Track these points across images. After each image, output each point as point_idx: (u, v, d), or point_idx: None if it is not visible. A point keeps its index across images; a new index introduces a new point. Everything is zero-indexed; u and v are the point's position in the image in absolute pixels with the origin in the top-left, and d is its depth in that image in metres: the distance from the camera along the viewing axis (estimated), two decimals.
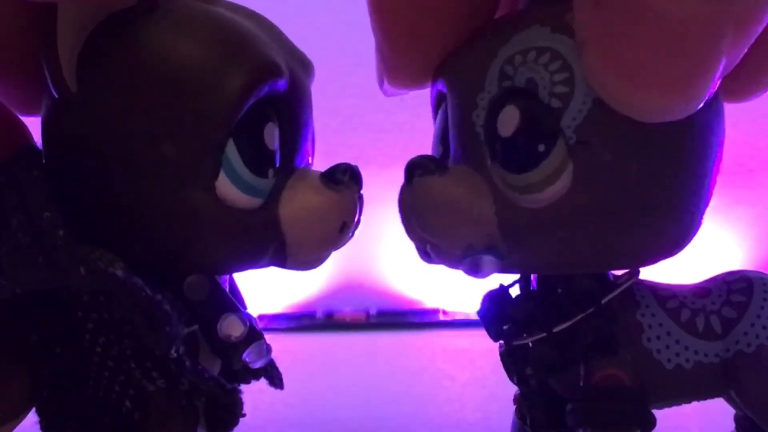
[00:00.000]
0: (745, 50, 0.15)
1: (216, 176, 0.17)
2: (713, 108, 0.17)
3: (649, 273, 0.21)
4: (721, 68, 0.14)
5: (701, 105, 0.15)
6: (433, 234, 0.19)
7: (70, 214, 0.17)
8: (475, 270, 0.19)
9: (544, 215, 0.17)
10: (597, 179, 0.17)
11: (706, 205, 0.18)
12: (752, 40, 0.14)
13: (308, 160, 0.21)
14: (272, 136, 0.18)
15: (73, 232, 0.16)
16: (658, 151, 0.16)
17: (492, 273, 0.19)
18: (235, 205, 0.17)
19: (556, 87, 0.17)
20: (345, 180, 0.19)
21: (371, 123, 0.67)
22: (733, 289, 0.21)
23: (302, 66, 0.19)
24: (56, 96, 0.16)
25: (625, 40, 0.14)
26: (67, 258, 0.15)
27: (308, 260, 0.20)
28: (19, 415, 0.18)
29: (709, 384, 0.21)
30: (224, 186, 0.17)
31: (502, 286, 0.22)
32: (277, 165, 0.19)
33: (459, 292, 0.72)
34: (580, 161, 0.17)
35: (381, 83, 0.20)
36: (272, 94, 0.18)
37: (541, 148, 0.17)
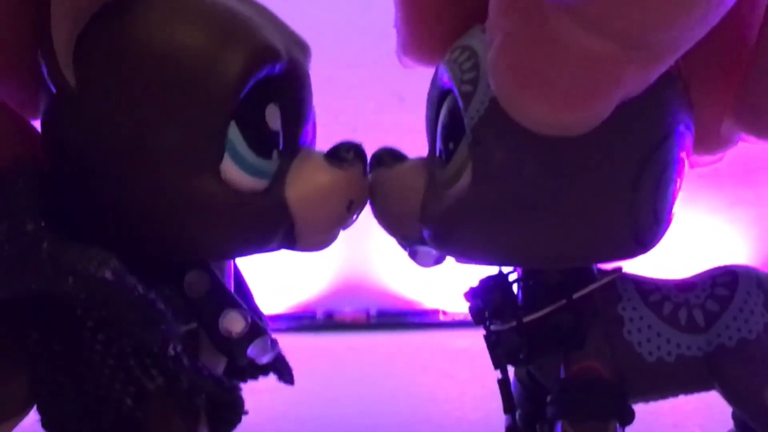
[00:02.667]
0: (647, 84, 0.15)
1: (220, 159, 0.17)
2: (625, 118, 0.16)
3: (644, 267, 0.21)
4: (618, 98, 0.14)
5: (591, 127, 0.15)
6: (380, 222, 0.21)
7: (74, 208, 0.17)
8: (415, 259, 0.21)
9: (450, 210, 0.18)
10: (491, 178, 0.17)
11: (638, 221, 0.18)
12: (659, 73, 0.15)
13: (310, 142, 0.21)
14: (274, 118, 0.18)
15: (64, 234, 0.16)
16: (555, 156, 0.17)
17: (432, 264, 0.20)
18: (241, 188, 0.18)
19: (463, 86, 0.17)
20: (349, 157, 0.19)
21: (371, 123, 0.67)
22: (717, 283, 0.21)
23: (299, 47, 0.20)
24: (54, 91, 0.16)
25: (525, 54, 0.14)
26: (52, 271, 0.15)
27: (318, 240, 0.20)
28: (19, 414, 0.18)
29: (693, 377, 0.21)
30: (229, 169, 0.17)
31: (500, 272, 0.22)
32: (281, 147, 0.19)
33: (459, 292, 0.72)
34: (477, 160, 0.17)
35: (399, 55, 0.21)
36: (272, 76, 0.18)
37: (451, 145, 0.18)
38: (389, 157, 0.20)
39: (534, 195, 0.17)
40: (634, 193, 0.17)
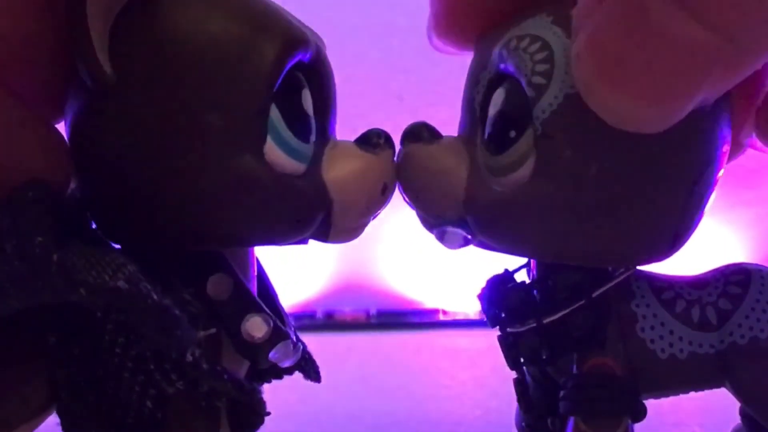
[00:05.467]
0: (724, 90, 0.15)
1: (263, 141, 0.17)
2: (692, 128, 0.17)
3: (647, 266, 0.21)
4: (699, 98, 0.14)
5: (669, 125, 0.15)
6: (411, 199, 0.20)
7: (105, 207, 0.17)
8: (442, 240, 0.20)
9: (504, 199, 0.18)
10: (555, 173, 0.17)
11: (681, 227, 0.18)
12: (735, 83, 0.15)
13: (335, 132, 0.21)
14: (308, 103, 0.19)
15: (86, 242, 0.16)
16: (622, 159, 0.17)
17: (461, 246, 0.20)
18: (284, 170, 0.18)
19: (535, 77, 0.17)
20: (381, 143, 0.20)
21: (371, 123, 0.67)
22: (730, 281, 0.21)
23: (319, 40, 0.20)
24: (91, 84, 0.16)
25: (618, 41, 0.14)
26: (63, 283, 0.15)
27: (351, 228, 0.20)
28: (37, 416, 0.18)
29: (704, 374, 0.21)
30: (272, 150, 0.17)
31: (506, 271, 0.22)
32: (314, 132, 0.19)
33: (459, 292, 0.72)
34: (542, 153, 0.17)
35: (430, 37, 0.21)
36: (303, 62, 0.18)
37: (512, 134, 0.18)
38: (427, 132, 0.20)
39: (595, 196, 0.17)
40: (686, 204, 0.17)
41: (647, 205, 0.17)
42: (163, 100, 0.16)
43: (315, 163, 0.19)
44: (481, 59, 0.19)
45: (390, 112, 0.68)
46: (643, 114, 0.14)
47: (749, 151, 0.21)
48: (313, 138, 0.19)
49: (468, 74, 0.20)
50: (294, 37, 0.18)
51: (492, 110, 0.18)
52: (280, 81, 0.17)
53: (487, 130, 0.19)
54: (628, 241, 0.18)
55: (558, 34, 0.17)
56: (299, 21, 0.19)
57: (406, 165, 0.20)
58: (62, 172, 0.17)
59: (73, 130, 0.18)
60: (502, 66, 0.18)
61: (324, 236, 0.20)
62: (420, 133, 0.20)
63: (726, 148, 0.18)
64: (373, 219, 0.21)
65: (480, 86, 0.19)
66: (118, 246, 0.18)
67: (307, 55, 0.18)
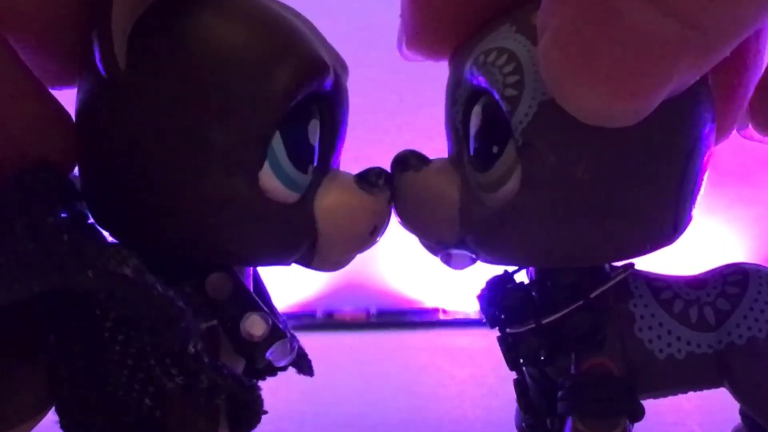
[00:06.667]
0: (695, 78, 0.15)
1: (260, 166, 0.17)
2: (673, 115, 0.17)
3: (645, 265, 0.21)
4: (670, 88, 0.14)
5: (642, 117, 0.15)
6: (409, 227, 0.20)
7: (102, 198, 0.18)
8: (449, 263, 0.20)
9: (498, 215, 0.18)
10: (543, 181, 0.17)
11: (680, 213, 0.18)
12: (705, 70, 0.15)
13: (339, 162, 0.21)
14: (314, 133, 0.19)
15: (83, 233, 0.16)
16: (607, 155, 0.17)
17: (467, 266, 0.20)
18: (275, 198, 0.18)
19: (507, 90, 0.17)
20: (379, 183, 0.19)
21: (371, 123, 0.67)
22: (728, 281, 0.22)
23: (341, 67, 0.20)
24: (104, 74, 0.16)
25: (584, 36, 0.14)
26: (74, 263, 0.15)
27: (334, 261, 0.20)
28: (37, 415, 0.18)
29: (703, 374, 0.21)
30: (267, 177, 0.17)
31: (506, 272, 0.22)
32: (315, 163, 0.19)
33: (459, 291, 0.72)
34: (527, 163, 0.17)
35: (399, 45, 0.20)
36: (318, 91, 0.18)
37: (495, 149, 0.18)
38: (416, 159, 0.20)
39: (587, 197, 0.17)
40: (680, 190, 0.18)
41: (641, 200, 0.17)
42: (169, 105, 0.16)
43: (309, 193, 0.19)
44: (455, 77, 0.19)
45: (390, 112, 0.68)
46: (614, 108, 0.14)
47: (748, 150, 0.21)
48: (312, 167, 0.19)
49: (446, 94, 0.20)
50: (311, 67, 0.17)
51: (473, 128, 0.19)
52: (290, 108, 0.17)
53: (471, 147, 0.19)
54: (629, 237, 0.18)
55: (523, 43, 0.17)
56: (325, 44, 0.19)
57: (399, 195, 0.20)
58: (66, 151, 0.17)
59: (79, 113, 0.18)
60: (474, 82, 0.18)
61: (307, 263, 0.20)
62: (407, 161, 0.20)
63: (708, 129, 0.18)
64: (360, 254, 0.20)
65: (458, 105, 0.19)
66: (114, 240, 0.18)
67: (325, 84, 0.18)
